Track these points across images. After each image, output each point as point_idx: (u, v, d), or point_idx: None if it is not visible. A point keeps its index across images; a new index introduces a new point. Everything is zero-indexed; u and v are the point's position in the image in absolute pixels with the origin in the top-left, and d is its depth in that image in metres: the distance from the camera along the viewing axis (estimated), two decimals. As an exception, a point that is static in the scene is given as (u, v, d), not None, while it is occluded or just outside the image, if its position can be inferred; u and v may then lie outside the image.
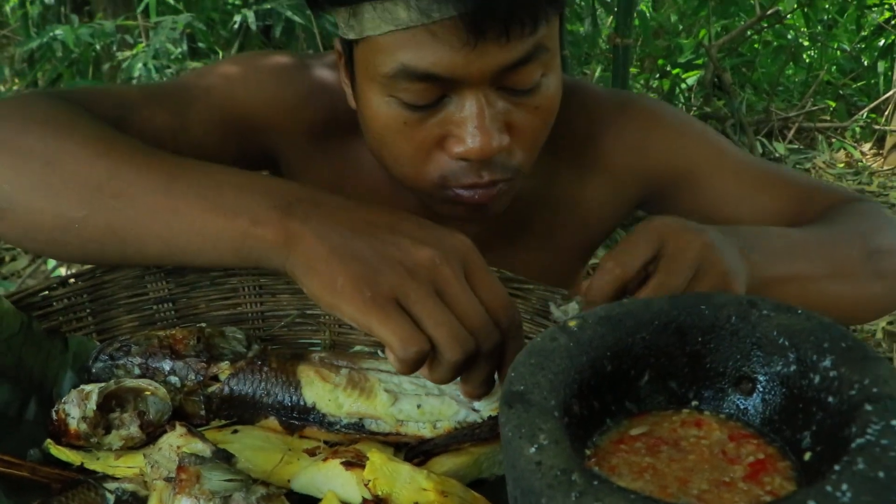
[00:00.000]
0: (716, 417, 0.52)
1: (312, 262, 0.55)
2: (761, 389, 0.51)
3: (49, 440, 0.62)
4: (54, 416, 0.63)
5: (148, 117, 0.79)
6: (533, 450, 0.42)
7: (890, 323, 2.13)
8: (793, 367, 0.49)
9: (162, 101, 0.82)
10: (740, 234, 0.72)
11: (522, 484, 0.42)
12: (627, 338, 0.53)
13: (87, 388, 0.62)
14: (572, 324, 0.53)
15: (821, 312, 0.75)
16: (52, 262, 2.54)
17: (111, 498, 0.56)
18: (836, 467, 0.39)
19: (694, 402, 0.53)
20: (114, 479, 0.58)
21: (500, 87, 0.70)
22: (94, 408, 0.60)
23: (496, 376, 0.60)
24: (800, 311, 0.51)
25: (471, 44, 0.65)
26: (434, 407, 0.64)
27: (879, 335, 2.04)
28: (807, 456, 0.46)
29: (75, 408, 0.61)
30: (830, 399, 0.46)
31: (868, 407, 0.42)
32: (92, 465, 0.60)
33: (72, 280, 0.73)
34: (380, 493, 0.55)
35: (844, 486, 0.37)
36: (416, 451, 0.62)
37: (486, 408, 0.64)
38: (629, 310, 0.54)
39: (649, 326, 0.53)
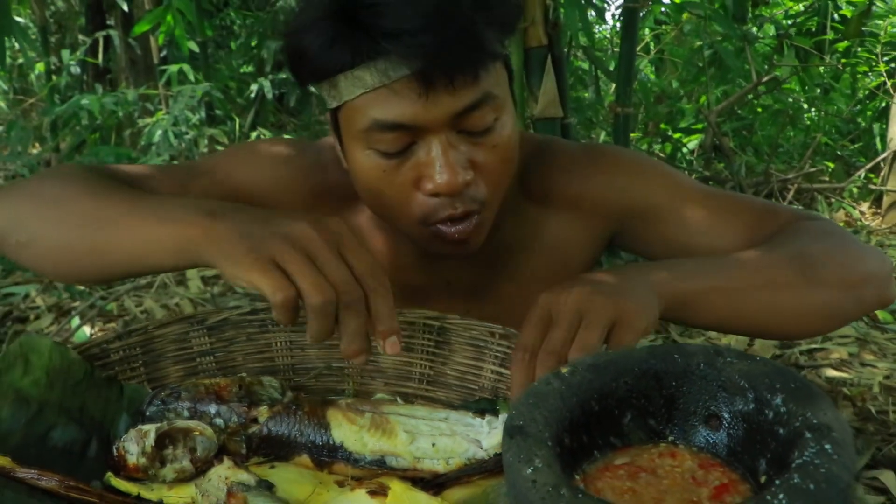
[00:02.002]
0: (688, 449, 0.61)
1: (222, 246, 0.67)
2: (726, 425, 0.60)
3: (109, 473, 0.71)
4: (115, 452, 0.72)
5: (155, 186, 0.93)
6: (529, 471, 0.51)
7: (887, 377, 2.19)
8: (752, 405, 0.58)
9: (170, 174, 0.97)
10: (652, 264, 0.83)
11: (521, 499, 0.50)
12: (612, 382, 0.62)
13: (145, 427, 0.71)
14: (564, 370, 0.62)
15: (764, 322, 0.84)
16: (75, 321, 2.64)
17: (170, 520, 0.65)
18: (777, 482, 0.47)
19: (670, 437, 0.62)
20: (169, 506, 0.67)
21: (459, 130, 0.83)
22: (152, 444, 0.69)
23: (372, 337, 0.70)
24: (758, 358, 0.61)
25: (424, 95, 0.79)
26: (447, 445, 0.72)
27: (876, 389, 2.10)
28: (763, 479, 0.55)
29: (134, 445, 0.71)
30: (781, 430, 0.55)
31: (808, 434, 0.51)
32: (148, 495, 0.69)
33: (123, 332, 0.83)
34: (400, 517, 0.63)
35: (781, 496, 0.46)
36: (431, 484, 0.71)
37: (491, 447, 0.73)
38: (612, 359, 0.63)
39: (630, 373, 0.62)
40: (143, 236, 0.73)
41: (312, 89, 0.96)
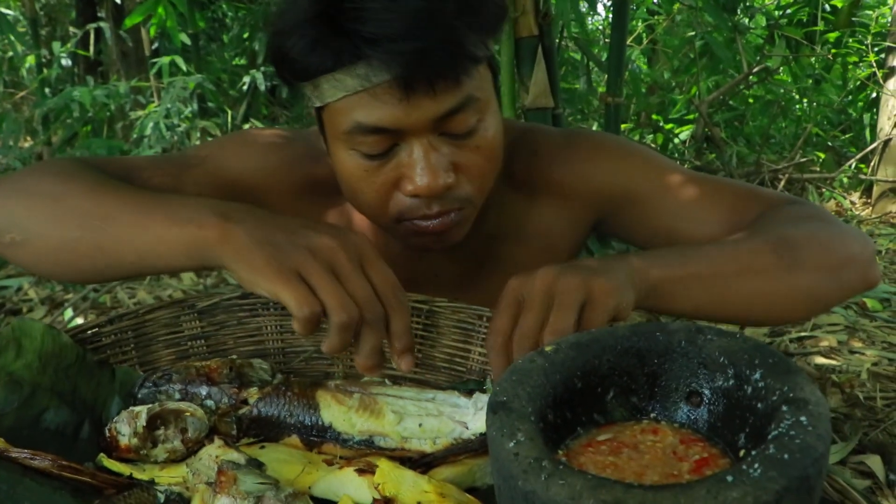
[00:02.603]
0: (670, 426, 0.62)
1: (240, 251, 0.67)
2: (707, 401, 0.61)
3: (102, 454, 0.72)
4: (107, 434, 0.73)
5: (147, 178, 0.93)
6: (512, 444, 0.52)
7: (875, 364, 2.21)
8: (731, 381, 0.60)
9: (162, 165, 0.97)
10: (629, 254, 0.81)
11: (503, 472, 0.52)
12: (594, 360, 0.63)
13: (137, 409, 0.72)
14: (548, 348, 0.63)
15: (745, 309, 0.84)
16: (68, 313, 2.65)
17: (161, 497, 0.65)
18: (753, 452, 0.49)
19: (652, 414, 0.63)
20: (160, 485, 0.68)
21: (441, 133, 0.84)
22: (144, 424, 0.70)
23: (387, 352, 0.71)
24: (738, 335, 0.62)
25: (405, 100, 0.79)
26: (434, 425, 0.73)
27: (864, 376, 2.12)
28: (741, 453, 0.56)
29: (126, 426, 0.71)
30: (759, 405, 0.56)
31: (785, 408, 0.53)
32: (140, 475, 0.70)
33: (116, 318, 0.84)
34: (388, 494, 0.64)
35: (756, 465, 0.47)
36: (418, 463, 0.72)
37: (477, 428, 0.74)
38: (596, 337, 0.64)
39: (613, 350, 0.63)
40: (153, 236, 0.72)
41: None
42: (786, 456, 0.47)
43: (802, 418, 0.51)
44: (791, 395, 0.54)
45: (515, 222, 1.04)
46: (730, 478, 0.46)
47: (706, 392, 0.61)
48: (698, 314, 0.85)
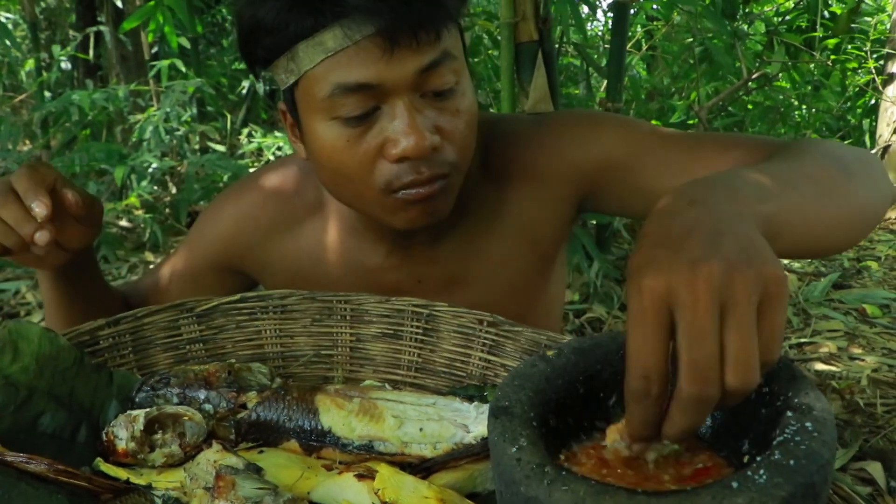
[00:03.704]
0: (674, 433, 0.61)
1: None
2: (710, 407, 0.61)
3: (99, 459, 0.72)
4: (104, 438, 0.72)
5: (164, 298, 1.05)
6: (514, 449, 0.52)
7: (874, 370, 2.21)
8: (734, 387, 0.59)
9: (172, 282, 1.08)
10: (726, 182, 0.61)
11: (506, 477, 0.51)
12: (597, 365, 0.63)
13: (134, 412, 0.72)
14: (550, 353, 0.62)
15: (831, 233, 0.72)
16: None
17: (159, 502, 0.65)
18: (758, 458, 0.48)
19: (655, 420, 0.62)
20: (158, 490, 0.67)
21: (422, 94, 0.83)
22: (142, 428, 0.70)
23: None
24: (741, 340, 0.61)
25: (389, 52, 0.79)
26: (435, 430, 0.73)
27: (864, 382, 2.12)
28: (745, 459, 0.56)
29: (123, 430, 0.71)
30: (763, 411, 0.56)
31: (789, 413, 0.52)
32: (137, 479, 0.69)
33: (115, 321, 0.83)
34: (388, 500, 0.64)
35: (761, 471, 0.46)
36: (418, 469, 0.71)
37: (479, 432, 0.73)
38: (598, 342, 0.64)
39: (616, 355, 0.63)
40: None
41: (263, 76, 0.96)
42: (791, 462, 0.47)
43: (808, 424, 0.50)
44: (795, 400, 0.53)
45: (496, 215, 1.02)
46: (735, 484, 0.46)
47: (709, 398, 0.61)
48: (794, 252, 0.70)
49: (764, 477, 0.46)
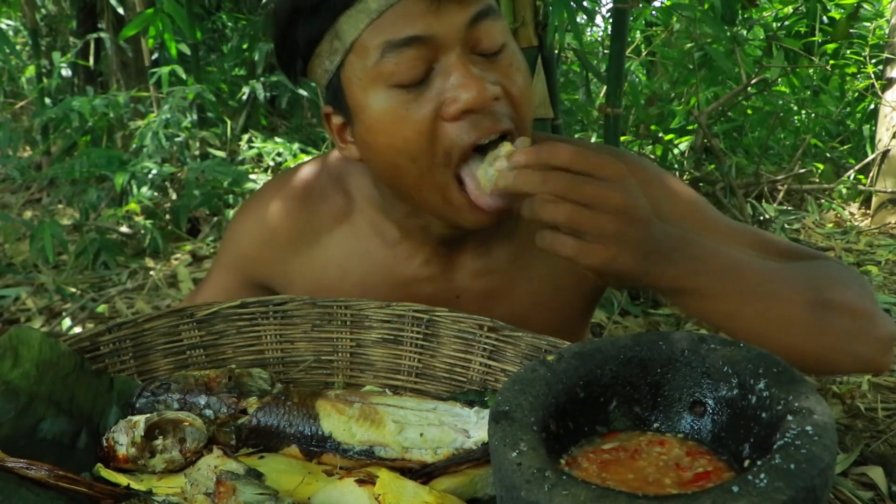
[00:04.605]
0: (676, 438, 0.61)
1: None
2: (710, 411, 0.61)
3: (99, 464, 0.72)
4: (104, 444, 0.72)
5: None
6: (514, 454, 0.52)
7: (875, 375, 2.21)
8: (735, 391, 0.59)
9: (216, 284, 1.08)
10: (692, 251, 0.79)
11: (506, 482, 0.51)
12: (597, 370, 0.63)
13: (135, 418, 0.72)
14: (550, 358, 0.63)
15: (754, 340, 0.79)
16: (66, 323, 2.64)
17: (159, 508, 0.65)
18: (759, 462, 0.48)
19: (655, 424, 0.63)
20: (158, 495, 0.67)
21: (473, 52, 0.81)
22: (142, 434, 0.70)
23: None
24: (741, 344, 0.61)
25: (434, 4, 0.78)
26: (435, 435, 0.73)
27: (865, 387, 2.12)
28: (746, 463, 0.56)
29: (123, 435, 0.71)
30: (763, 414, 0.56)
31: (790, 417, 0.52)
32: (137, 485, 0.69)
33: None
34: (388, 505, 0.64)
35: (762, 475, 0.46)
36: (419, 474, 0.71)
37: (479, 437, 0.73)
38: (598, 346, 0.64)
39: (615, 360, 0.63)
40: None
41: (300, 84, 0.97)
42: (792, 466, 0.47)
43: (808, 428, 0.50)
44: (796, 404, 0.53)
45: None
46: (736, 488, 0.46)
47: (710, 402, 0.61)
48: (709, 326, 0.83)
49: (765, 481, 0.46)
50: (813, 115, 4.83)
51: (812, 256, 0.93)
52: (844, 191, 4.26)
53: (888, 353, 0.84)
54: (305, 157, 3.82)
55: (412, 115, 0.81)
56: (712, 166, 3.93)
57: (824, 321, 0.81)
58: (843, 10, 4.22)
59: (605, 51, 4.34)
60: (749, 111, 4.63)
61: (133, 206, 3.34)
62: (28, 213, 4.12)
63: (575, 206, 0.71)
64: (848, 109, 4.80)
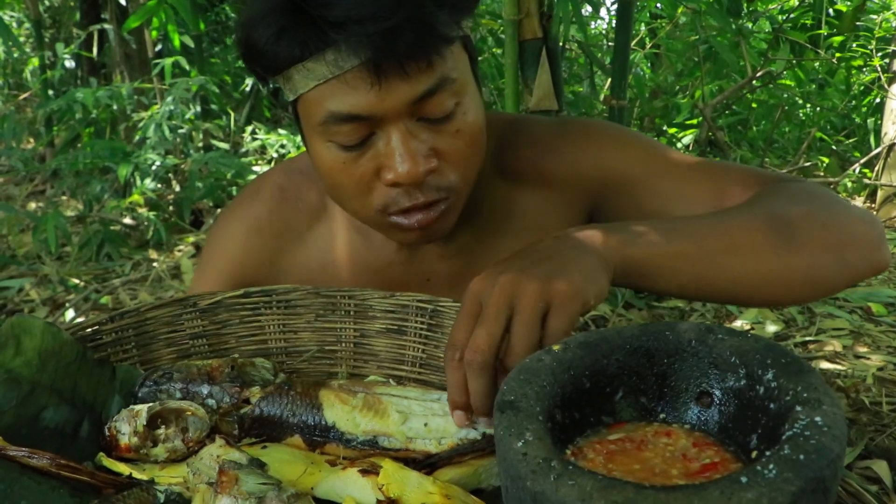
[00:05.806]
0: (682, 428, 0.61)
1: None
2: (717, 402, 0.60)
3: (101, 454, 0.71)
4: (106, 433, 0.72)
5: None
6: (520, 444, 0.51)
7: (880, 369, 2.20)
8: (742, 382, 0.58)
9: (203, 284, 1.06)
10: (608, 226, 0.77)
11: (511, 472, 0.50)
12: (603, 359, 0.62)
13: (137, 407, 0.71)
14: (556, 347, 0.62)
15: (734, 289, 0.79)
16: (69, 314, 2.64)
17: (161, 497, 0.64)
18: (767, 453, 0.47)
19: (662, 415, 0.62)
20: (160, 485, 0.67)
21: (419, 118, 0.81)
22: (144, 423, 0.69)
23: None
24: (749, 334, 0.61)
25: (377, 84, 0.77)
26: (439, 425, 0.72)
27: (870, 380, 2.11)
28: (754, 454, 0.55)
29: (126, 425, 0.70)
30: (772, 405, 0.55)
31: (799, 408, 0.51)
32: (139, 474, 0.69)
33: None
34: (392, 495, 0.63)
35: (771, 466, 0.46)
36: (423, 464, 0.70)
37: (484, 426, 0.73)
38: (604, 336, 0.63)
39: (622, 350, 0.62)
40: None
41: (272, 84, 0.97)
42: (801, 457, 0.46)
43: (817, 419, 0.50)
44: (805, 395, 0.53)
45: (508, 215, 1.01)
46: (744, 479, 0.45)
47: (717, 392, 0.60)
48: (683, 293, 0.82)
49: (773, 472, 0.45)
50: (818, 108, 4.80)
51: (777, 179, 0.91)
52: (850, 184, 4.24)
53: (879, 248, 0.83)
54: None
55: (351, 172, 0.84)
56: (717, 159, 3.91)
57: (795, 241, 0.79)
58: (849, 3, 4.20)
59: (610, 43, 4.33)
60: (754, 104, 4.61)
61: (136, 197, 3.34)
62: (32, 205, 4.13)
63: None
64: (853, 103, 4.77)
